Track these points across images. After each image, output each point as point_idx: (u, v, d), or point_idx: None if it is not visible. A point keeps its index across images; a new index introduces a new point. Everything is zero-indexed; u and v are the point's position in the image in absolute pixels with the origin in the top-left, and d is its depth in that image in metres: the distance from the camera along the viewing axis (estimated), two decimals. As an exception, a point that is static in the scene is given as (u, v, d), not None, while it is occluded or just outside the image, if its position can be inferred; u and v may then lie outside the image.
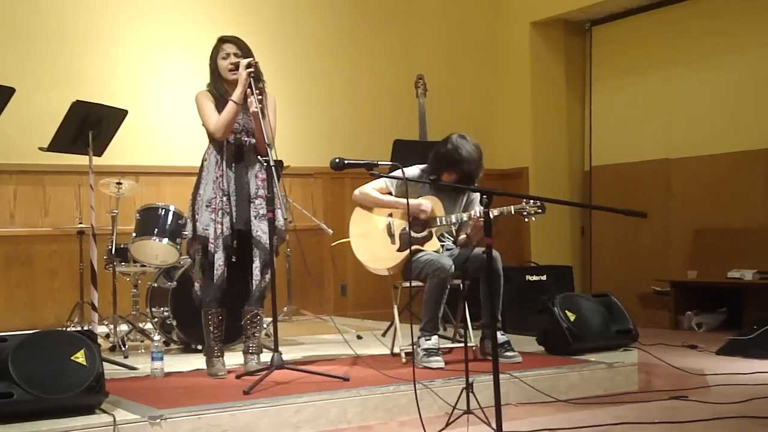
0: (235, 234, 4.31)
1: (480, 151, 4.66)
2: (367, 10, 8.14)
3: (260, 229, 4.31)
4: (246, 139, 4.36)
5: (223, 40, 4.40)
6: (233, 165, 4.33)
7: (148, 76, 7.12)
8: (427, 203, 4.62)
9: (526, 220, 4.40)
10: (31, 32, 6.72)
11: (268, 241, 4.26)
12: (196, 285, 4.40)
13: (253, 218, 4.32)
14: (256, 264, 4.33)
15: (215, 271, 4.25)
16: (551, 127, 8.66)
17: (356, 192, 4.81)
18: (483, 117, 8.57)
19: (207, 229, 4.26)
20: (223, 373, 4.31)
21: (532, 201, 4.29)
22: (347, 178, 7.43)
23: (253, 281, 4.34)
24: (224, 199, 4.27)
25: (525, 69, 8.61)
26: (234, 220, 4.29)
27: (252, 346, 4.43)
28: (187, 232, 4.39)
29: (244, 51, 4.36)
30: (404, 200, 4.56)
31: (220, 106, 4.30)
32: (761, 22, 7.23)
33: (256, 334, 4.44)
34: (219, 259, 4.25)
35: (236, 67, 4.30)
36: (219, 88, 4.37)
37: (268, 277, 4.32)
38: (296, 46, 7.76)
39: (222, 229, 4.26)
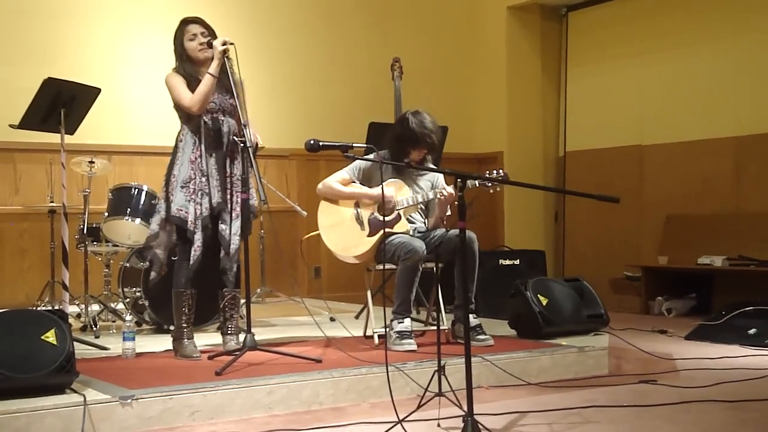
0: (214, 215, 4.29)
1: (436, 122, 4.76)
2: (344, -9, 8.10)
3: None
4: (222, 118, 4.33)
5: (187, 22, 4.37)
6: (212, 145, 4.30)
7: (122, 54, 7.04)
8: (390, 192, 4.62)
9: (491, 191, 4.50)
10: (2, 8, 6.61)
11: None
12: (155, 267, 4.42)
13: (228, 198, 4.31)
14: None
15: (193, 252, 4.22)
16: (526, 112, 8.68)
17: (320, 186, 4.80)
18: (459, 101, 8.57)
19: (181, 210, 4.23)
20: (198, 354, 4.29)
21: (495, 171, 4.34)
22: (322, 160, 7.41)
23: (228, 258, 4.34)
24: (203, 179, 4.24)
25: (501, 53, 8.61)
26: (212, 202, 4.26)
27: (230, 327, 4.44)
28: (159, 212, 4.34)
29: (209, 30, 4.37)
30: (367, 189, 4.63)
31: (191, 87, 4.26)
32: (735, 12, 7.27)
33: (234, 316, 4.45)
34: (198, 240, 4.23)
35: (209, 45, 4.28)
36: (188, 69, 4.33)
37: (237, 256, 4.34)
38: (272, 27, 7.70)
39: (201, 210, 4.24)
